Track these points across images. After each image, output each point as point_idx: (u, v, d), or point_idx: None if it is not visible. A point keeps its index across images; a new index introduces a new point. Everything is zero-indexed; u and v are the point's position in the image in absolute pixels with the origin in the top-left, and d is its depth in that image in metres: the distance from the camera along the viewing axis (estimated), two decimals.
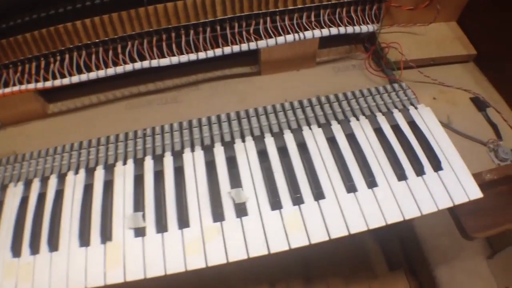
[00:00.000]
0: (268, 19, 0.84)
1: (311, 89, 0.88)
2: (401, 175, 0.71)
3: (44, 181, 0.75)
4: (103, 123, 0.89)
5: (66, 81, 0.84)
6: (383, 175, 0.71)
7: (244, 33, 0.84)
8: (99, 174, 0.75)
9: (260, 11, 0.83)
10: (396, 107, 0.80)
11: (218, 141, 0.77)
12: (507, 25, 0.89)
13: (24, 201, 0.73)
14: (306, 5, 0.84)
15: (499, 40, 0.92)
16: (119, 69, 0.83)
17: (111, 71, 0.83)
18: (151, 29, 0.82)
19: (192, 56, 0.83)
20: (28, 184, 0.75)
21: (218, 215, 0.68)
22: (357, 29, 0.87)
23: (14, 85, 0.84)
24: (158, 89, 0.93)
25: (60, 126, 0.91)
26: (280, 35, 0.84)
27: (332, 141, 0.75)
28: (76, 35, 0.81)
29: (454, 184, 0.71)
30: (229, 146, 0.75)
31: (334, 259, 1.30)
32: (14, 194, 0.75)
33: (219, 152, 0.75)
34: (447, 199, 0.69)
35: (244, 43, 0.84)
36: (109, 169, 0.75)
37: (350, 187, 0.70)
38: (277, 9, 0.83)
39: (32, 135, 0.90)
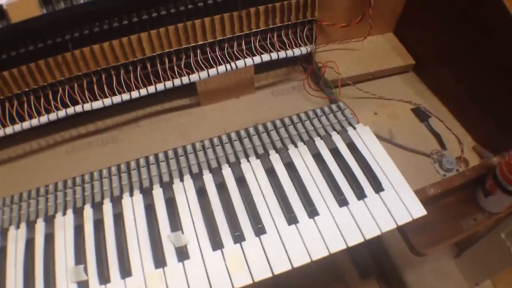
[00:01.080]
0: (199, 51, 0.83)
1: (251, 117, 0.88)
2: (342, 201, 0.70)
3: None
4: (45, 170, 0.87)
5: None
6: (324, 203, 0.71)
7: (175, 68, 0.83)
8: (40, 227, 0.72)
9: (189, 45, 0.82)
10: (334, 129, 0.80)
11: (156, 182, 0.75)
12: (441, 31, 0.89)
13: None
14: (236, 34, 0.83)
15: (435, 48, 0.92)
16: (52, 116, 0.82)
17: (44, 119, 0.82)
18: (80, 73, 0.80)
19: (125, 96, 0.82)
20: None
21: (159, 261, 0.66)
22: (290, 53, 0.86)
23: None
24: (98, 129, 0.91)
25: (1, 177, 0.88)
26: (212, 66, 0.83)
27: (271, 172, 0.74)
28: (5, 85, 0.79)
29: (396, 204, 0.71)
30: (167, 187, 0.74)
31: (305, 271, 1.29)
32: None
33: (158, 195, 0.73)
34: (390, 220, 0.69)
35: (177, 78, 0.83)
36: (49, 221, 0.73)
37: (291, 219, 0.69)
38: (206, 41, 0.82)
39: None
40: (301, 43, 0.88)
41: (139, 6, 0.76)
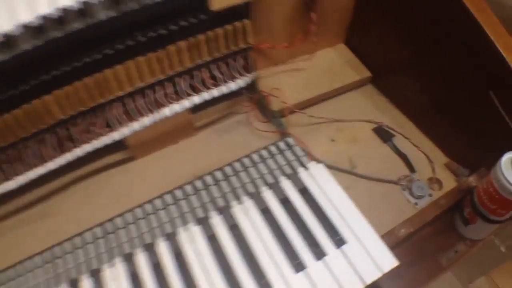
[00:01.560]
0: (113, 106, 0.71)
1: (193, 166, 0.77)
2: (298, 265, 0.61)
3: None
4: None
5: None
6: (277, 270, 0.60)
7: (93, 128, 0.71)
8: None
9: (99, 102, 0.70)
10: (283, 173, 0.69)
11: (85, 272, 0.64)
12: (397, 38, 0.77)
13: None
14: (158, 78, 0.71)
15: (392, 56, 0.81)
16: None
17: None
18: None
19: (40, 170, 0.71)
20: None
21: None
22: (225, 88, 0.75)
23: None
24: (26, 203, 0.80)
25: None
26: (135, 119, 0.72)
27: (212, 241, 0.64)
28: None
29: (362, 258, 0.61)
30: (95, 277, 0.63)
31: None
32: None
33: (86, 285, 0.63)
34: (356, 280, 0.59)
35: (95, 139, 0.71)
36: None
37: None
38: (124, 92, 0.70)
39: None
40: (237, 75, 0.76)
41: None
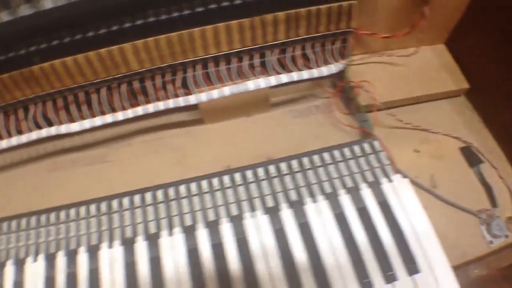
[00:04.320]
0: (199, 66, 0.66)
1: (264, 144, 0.73)
2: (365, 284, 0.57)
3: None
4: (24, 189, 0.75)
5: None
6: (342, 283, 0.57)
7: (170, 86, 0.67)
8: (10, 272, 0.61)
9: (187, 59, 0.65)
10: (365, 180, 0.65)
11: (141, 233, 0.62)
12: (504, 51, 0.70)
13: None
14: (247, 47, 0.65)
15: (495, 71, 0.73)
16: (23, 139, 0.68)
17: (14, 140, 0.68)
18: (52, 90, 0.65)
19: (108, 118, 0.67)
20: None
21: None
22: (316, 72, 0.69)
23: None
24: (85, 144, 0.77)
25: None
26: (215, 86, 0.67)
27: (279, 234, 0.60)
28: None
29: None
30: (153, 241, 0.61)
31: None
32: None
33: (141, 250, 0.60)
34: None
35: (171, 98, 0.67)
36: (20, 266, 0.61)
37: None
38: (208, 55, 0.65)
39: None
40: (332, 60, 0.70)
41: (124, 12, 0.59)
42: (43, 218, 0.65)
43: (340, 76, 0.76)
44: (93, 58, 0.63)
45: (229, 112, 0.75)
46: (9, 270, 0.61)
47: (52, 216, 0.65)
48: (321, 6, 0.64)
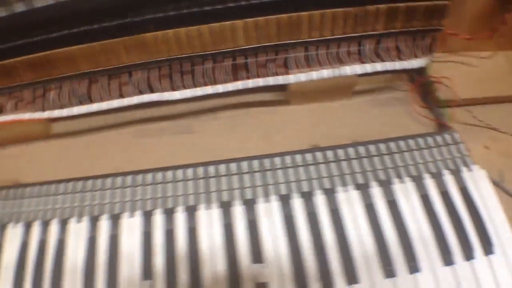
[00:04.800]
0: (302, 49, 0.71)
1: (346, 128, 0.77)
2: (447, 260, 0.61)
3: (45, 226, 0.66)
4: (109, 152, 0.79)
5: (65, 112, 0.73)
6: (427, 258, 0.61)
7: (271, 64, 0.71)
8: (104, 226, 0.65)
9: (291, 40, 0.70)
10: (447, 167, 0.69)
11: (238, 198, 0.66)
12: None
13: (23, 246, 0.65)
14: (347, 35, 0.70)
15: None
16: (126, 101, 0.72)
17: (117, 102, 0.72)
18: (161, 58, 0.69)
19: (209, 90, 0.72)
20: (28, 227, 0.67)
21: None
22: (406, 64, 0.74)
23: (15, 112, 0.73)
24: (171, 114, 0.81)
25: (63, 151, 0.81)
26: (314, 68, 0.71)
27: (369, 209, 0.65)
28: (74, 63, 0.70)
29: (505, 272, 0.61)
30: (248, 206, 0.65)
31: None
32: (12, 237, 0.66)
33: (238, 214, 0.65)
34: None
35: (271, 76, 0.71)
36: (115, 221, 0.66)
37: (389, 273, 0.60)
38: (311, 39, 0.70)
39: (33, 159, 0.81)
40: (420, 54, 0.74)
41: None
42: (139, 178, 0.69)
43: (420, 71, 0.80)
44: (204, 31, 0.67)
45: (314, 96, 0.79)
46: (104, 224, 0.65)
47: (149, 176, 0.69)
48: (419, 3, 0.69)
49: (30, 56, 0.68)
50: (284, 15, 0.67)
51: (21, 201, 0.69)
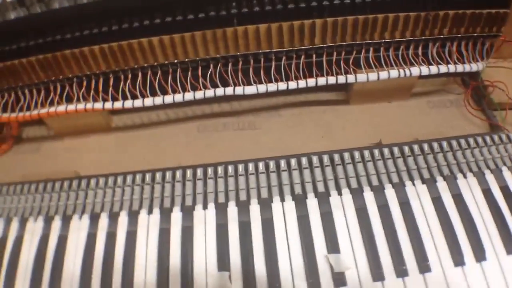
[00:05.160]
0: (371, 49, 0.75)
1: (405, 128, 0.80)
2: (510, 249, 0.64)
3: (113, 217, 0.68)
4: (172, 145, 0.82)
5: (138, 103, 0.75)
6: (492, 248, 0.64)
7: (342, 63, 0.74)
8: (176, 217, 0.68)
9: (364, 41, 0.73)
10: (504, 164, 0.72)
11: (310, 191, 0.69)
12: None
13: (90, 238, 0.67)
14: (416, 38, 0.74)
15: None
16: (199, 94, 0.75)
17: (189, 95, 0.75)
18: (238, 53, 0.72)
19: (282, 85, 0.75)
20: (94, 219, 0.68)
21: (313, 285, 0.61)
22: (466, 67, 0.77)
23: (78, 101, 0.76)
24: (233, 111, 0.84)
25: (124, 144, 0.84)
26: (382, 67, 0.75)
27: (437, 202, 0.67)
28: (151, 53, 0.73)
29: None
30: (323, 199, 0.67)
31: None
32: (79, 228, 0.68)
33: (312, 205, 0.67)
34: None
35: (341, 75, 0.75)
36: (188, 212, 0.68)
37: (458, 260, 0.63)
38: (382, 40, 0.73)
39: (93, 151, 0.84)
40: (478, 58, 0.78)
41: None
42: (210, 170, 0.71)
43: (474, 75, 0.84)
44: (284, 29, 0.71)
45: (374, 96, 0.83)
46: (177, 216, 0.68)
47: (220, 169, 0.71)
48: (483, 11, 0.73)
49: (107, 45, 0.71)
50: (360, 17, 0.70)
51: (86, 192, 0.71)
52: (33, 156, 0.84)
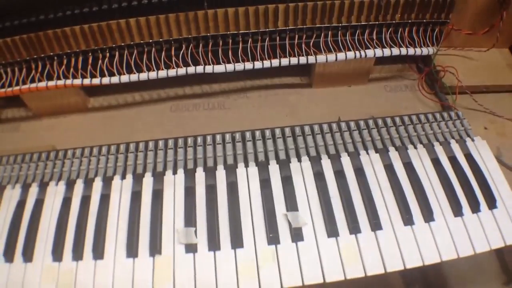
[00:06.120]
0: (330, 33, 0.81)
1: (363, 108, 0.87)
2: (457, 211, 0.70)
3: (88, 183, 0.73)
4: (146, 124, 0.87)
5: (115, 79, 0.81)
6: (440, 210, 0.70)
7: (303, 45, 0.81)
8: (148, 182, 0.72)
9: (323, 25, 0.80)
10: (453, 137, 0.79)
11: (273, 158, 0.74)
12: None
13: (66, 202, 0.71)
14: (370, 22, 0.81)
15: None
16: (171, 72, 0.81)
17: (162, 73, 0.81)
18: (208, 34, 0.79)
19: (248, 65, 0.81)
20: (70, 185, 0.73)
21: (273, 238, 0.66)
22: (417, 51, 0.84)
23: (58, 78, 0.81)
24: (204, 92, 0.90)
25: (100, 123, 0.88)
26: (340, 50, 0.82)
27: (389, 169, 0.73)
28: (128, 33, 0.79)
29: (506, 223, 0.69)
30: (284, 165, 0.73)
31: None
32: (55, 193, 0.72)
33: (274, 171, 0.73)
34: (499, 239, 0.68)
35: (303, 56, 0.81)
36: (158, 177, 0.72)
37: (408, 220, 0.68)
38: (340, 24, 0.80)
39: (70, 130, 0.88)
40: (428, 43, 0.85)
41: None
42: (180, 141, 0.77)
43: (427, 62, 0.91)
44: (250, 13, 0.77)
45: (335, 80, 0.90)
46: (148, 180, 0.73)
47: (190, 140, 0.77)
48: None
49: (87, 25, 0.76)
50: (319, 2, 0.77)
51: (63, 161, 0.76)
52: (12, 135, 0.88)
